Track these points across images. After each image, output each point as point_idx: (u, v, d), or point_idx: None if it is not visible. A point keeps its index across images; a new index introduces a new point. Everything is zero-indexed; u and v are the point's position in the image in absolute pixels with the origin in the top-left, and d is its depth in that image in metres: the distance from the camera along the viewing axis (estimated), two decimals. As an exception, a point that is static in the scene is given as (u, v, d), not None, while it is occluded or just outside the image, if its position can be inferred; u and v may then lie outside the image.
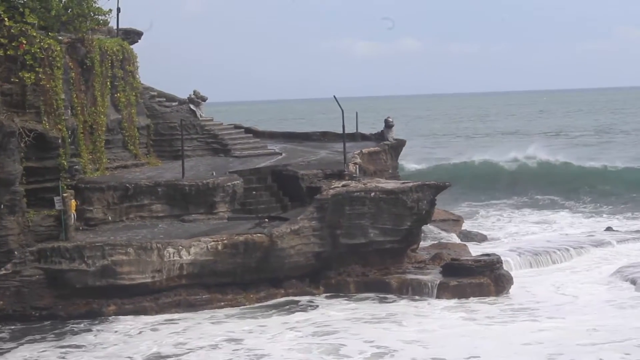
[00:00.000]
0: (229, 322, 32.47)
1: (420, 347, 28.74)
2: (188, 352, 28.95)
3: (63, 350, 29.83)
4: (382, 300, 35.00)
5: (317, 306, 34.36)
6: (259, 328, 31.38)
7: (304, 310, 33.89)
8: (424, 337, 29.79)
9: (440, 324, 31.34)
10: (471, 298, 34.67)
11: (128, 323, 32.43)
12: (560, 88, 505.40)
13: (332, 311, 33.57)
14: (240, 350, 29.01)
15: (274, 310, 33.86)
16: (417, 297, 35.05)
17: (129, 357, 28.83)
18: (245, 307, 34.39)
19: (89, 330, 31.76)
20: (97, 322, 32.59)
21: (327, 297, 35.58)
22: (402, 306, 34.05)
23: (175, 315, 33.35)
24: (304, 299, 35.31)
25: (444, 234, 46.51)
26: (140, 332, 31.45)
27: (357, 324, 31.55)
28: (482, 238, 48.64)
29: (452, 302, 34.32)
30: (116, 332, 31.57)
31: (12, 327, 32.36)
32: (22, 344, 30.46)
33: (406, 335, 29.95)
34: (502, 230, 53.02)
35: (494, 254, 37.23)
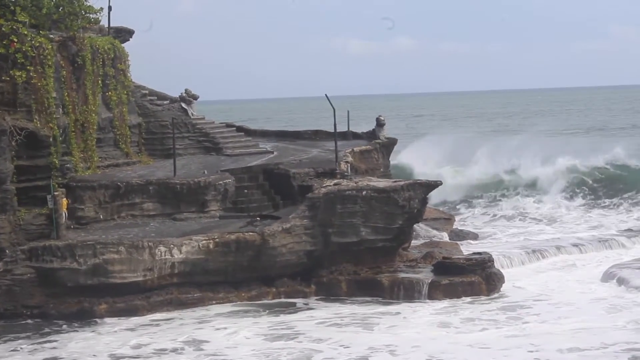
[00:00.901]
0: (212, 321, 32.52)
1: (388, 353, 28.43)
2: (146, 357, 28.91)
3: (32, 347, 30.01)
4: (373, 302, 34.94)
5: (309, 308, 34.38)
6: (237, 329, 31.28)
7: (293, 312, 33.83)
8: (400, 342, 29.34)
9: (420, 329, 30.97)
10: (462, 298, 34.72)
11: (112, 322, 32.55)
12: (558, 87, 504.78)
13: (320, 313, 33.56)
14: (200, 354, 29.00)
15: (266, 311, 33.81)
16: (407, 299, 35.00)
17: (94, 356, 28.93)
18: (236, 303, 34.50)
19: (70, 330, 31.84)
20: (83, 321, 32.69)
21: (320, 300, 35.49)
22: (389, 309, 33.87)
23: (164, 315, 33.35)
24: (302, 301, 35.31)
25: (435, 232, 46.57)
26: (115, 332, 31.48)
27: (338, 329, 31.37)
28: (473, 236, 48.71)
29: (442, 303, 34.19)
30: (93, 332, 31.63)
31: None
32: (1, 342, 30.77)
33: (382, 340, 29.60)
34: (496, 228, 53.10)
35: (485, 253, 37.31)
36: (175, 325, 32.17)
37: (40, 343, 30.35)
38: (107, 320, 32.80)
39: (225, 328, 31.53)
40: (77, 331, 31.76)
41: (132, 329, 31.76)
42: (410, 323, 31.82)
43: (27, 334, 31.44)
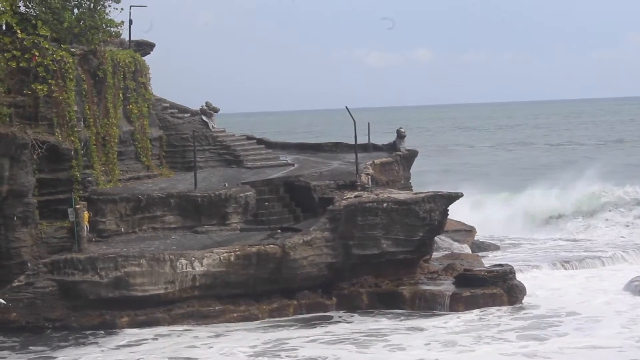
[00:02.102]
0: (222, 335, 32.46)
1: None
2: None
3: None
4: (392, 316, 34.72)
5: (328, 322, 34.19)
6: (230, 345, 31.14)
7: (307, 327, 33.59)
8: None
9: (425, 348, 30.44)
10: (484, 310, 34.45)
11: (119, 336, 32.48)
12: (576, 98, 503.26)
13: (333, 329, 33.32)
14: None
15: (294, 326, 33.72)
16: (428, 311, 34.78)
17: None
18: (261, 321, 34.37)
19: (67, 345, 31.77)
20: (99, 335, 32.64)
21: (343, 313, 35.27)
22: (405, 324, 33.55)
23: (178, 328, 33.27)
24: (324, 314, 35.18)
25: (456, 244, 46.45)
26: (117, 348, 31.30)
27: (337, 346, 31.05)
28: (495, 248, 48.56)
29: (462, 317, 33.84)
30: (97, 345, 31.54)
31: (16, 339, 32.55)
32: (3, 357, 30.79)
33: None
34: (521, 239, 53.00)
35: (507, 264, 37.16)
36: (186, 339, 32.04)
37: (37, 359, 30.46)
38: (126, 330, 32.87)
39: (222, 343, 31.49)
40: (71, 346, 31.66)
41: (138, 344, 31.64)
42: (418, 341, 31.22)
43: (34, 346, 31.49)
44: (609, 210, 59.46)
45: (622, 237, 51.80)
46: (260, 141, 49.67)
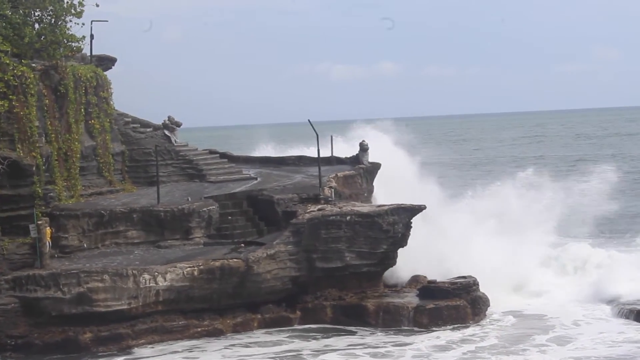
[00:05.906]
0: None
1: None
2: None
3: None
4: (353, 333, 34.72)
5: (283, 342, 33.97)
6: None
7: (252, 346, 33.53)
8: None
9: None
10: (446, 333, 34.16)
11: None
12: (538, 110, 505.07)
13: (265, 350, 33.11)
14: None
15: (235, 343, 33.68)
16: (393, 325, 34.87)
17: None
18: (226, 337, 34.34)
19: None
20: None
21: (303, 329, 35.25)
22: (339, 343, 33.48)
23: (143, 351, 33.04)
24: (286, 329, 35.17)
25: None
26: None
27: None
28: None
29: (419, 336, 33.68)
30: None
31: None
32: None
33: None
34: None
35: (470, 276, 37.21)
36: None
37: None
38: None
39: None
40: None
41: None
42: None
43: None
44: None
45: None
46: (223, 155, 49.61)
